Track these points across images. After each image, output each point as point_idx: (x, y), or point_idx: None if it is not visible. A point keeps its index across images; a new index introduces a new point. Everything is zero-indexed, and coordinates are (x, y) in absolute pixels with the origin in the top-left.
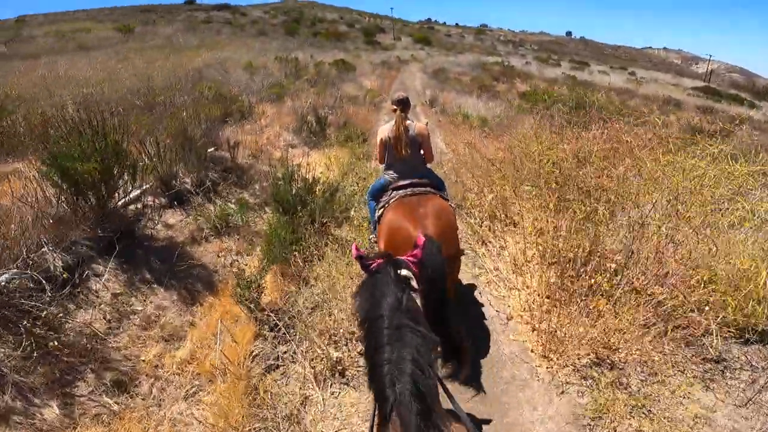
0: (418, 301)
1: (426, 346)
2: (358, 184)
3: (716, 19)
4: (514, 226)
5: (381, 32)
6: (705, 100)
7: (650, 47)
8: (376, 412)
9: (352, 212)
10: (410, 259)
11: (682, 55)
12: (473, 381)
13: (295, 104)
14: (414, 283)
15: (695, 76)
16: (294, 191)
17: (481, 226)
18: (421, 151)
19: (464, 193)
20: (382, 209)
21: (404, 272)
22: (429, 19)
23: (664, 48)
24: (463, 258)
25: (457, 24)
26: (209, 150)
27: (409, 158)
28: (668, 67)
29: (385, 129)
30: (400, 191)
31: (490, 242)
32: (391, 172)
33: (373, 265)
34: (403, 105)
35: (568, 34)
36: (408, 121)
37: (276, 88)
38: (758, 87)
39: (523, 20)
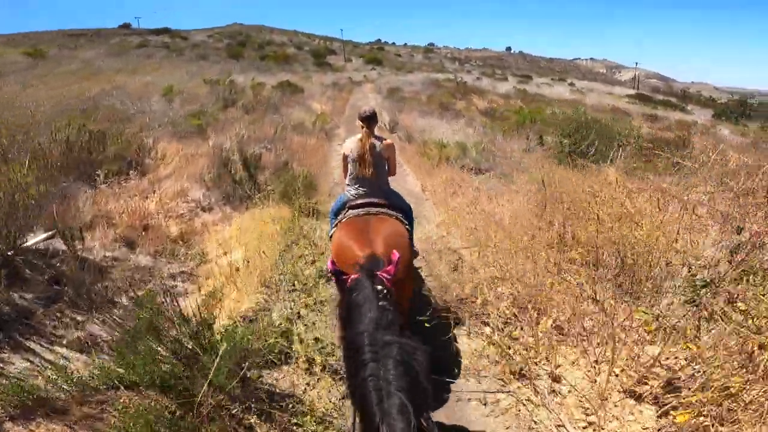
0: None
1: (418, 356)
2: (303, 281)
3: (629, 28)
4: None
5: (332, 54)
6: (644, 108)
7: (578, 58)
8: (361, 426)
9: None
10: (384, 275)
11: (605, 64)
12: None
13: (219, 140)
14: (389, 298)
15: (620, 83)
16: (170, 342)
17: (510, 343)
18: (386, 168)
19: (472, 279)
20: (334, 228)
21: (379, 287)
22: (379, 40)
23: (591, 58)
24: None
25: (405, 44)
26: (32, 242)
27: (373, 178)
28: (595, 76)
29: (349, 143)
30: (356, 210)
31: (531, 369)
32: (351, 189)
33: (349, 279)
34: (369, 120)
35: (508, 49)
36: (374, 139)
37: (196, 117)
38: (676, 91)
39: (466, 38)
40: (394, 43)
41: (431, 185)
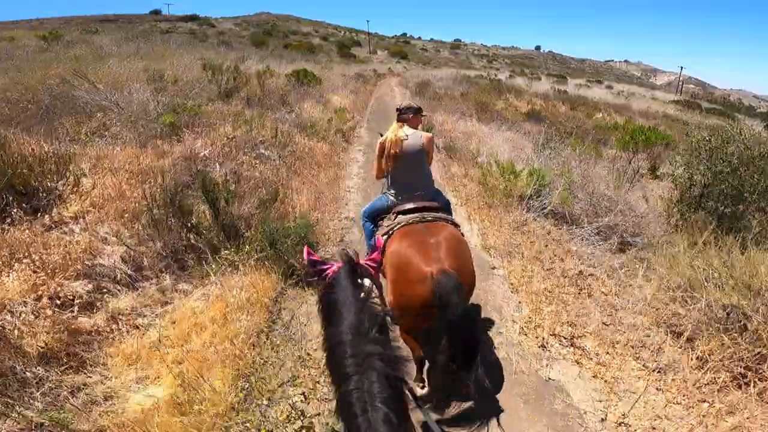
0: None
1: (400, 367)
2: None
3: (667, 31)
4: None
5: (357, 46)
6: (693, 115)
7: (612, 60)
8: None
9: None
10: (369, 263)
11: (641, 67)
12: None
13: (193, 146)
14: (375, 292)
15: (656, 87)
16: None
17: None
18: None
19: None
20: (385, 236)
21: (366, 282)
22: (404, 34)
23: (625, 60)
24: None
25: (432, 39)
26: None
27: (418, 177)
28: (630, 79)
29: (389, 137)
30: (407, 215)
31: None
32: (393, 191)
33: (329, 269)
34: (400, 113)
35: (537, 48)
36: (406, 129)
37: (172, 114)
38: (717, 97)
39: (494, 35)
40: (420, 38)
41: (501, 242)
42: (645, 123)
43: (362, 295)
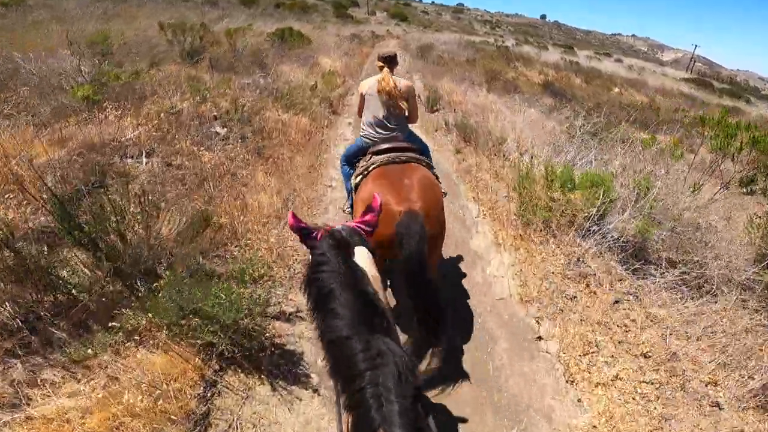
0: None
1: (410, 365)
2: None
3: (675, 7)
4: None
5: (354, 6)
6: (708, 95)
7: (619, 33)
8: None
9: None
10: (362, 227)
11: (648, 43)
12: None
13: (116, 128)
14: (372, 264)
15: (663, 63)
16: None
17: None
18: (406, 112)
19: None
20: (359, 177)
21: (362, 252)
22: None
23: (633, 35)
24: None
25: (433, 2)
26: None
27: (395, 116)
28: (636, 53)
29: (367, 82)
30: (381, 156)
31: None
32: (369, 131)
33: (318, 235)
34: (390, 61)
35: (543, 17)
36: (396, 78)
37: (90, 86)
38: (724, 77)
39: (498, 2)
40: (421, 0)
41: (547, 291)
42: (665, 101)
43: (358, 273)
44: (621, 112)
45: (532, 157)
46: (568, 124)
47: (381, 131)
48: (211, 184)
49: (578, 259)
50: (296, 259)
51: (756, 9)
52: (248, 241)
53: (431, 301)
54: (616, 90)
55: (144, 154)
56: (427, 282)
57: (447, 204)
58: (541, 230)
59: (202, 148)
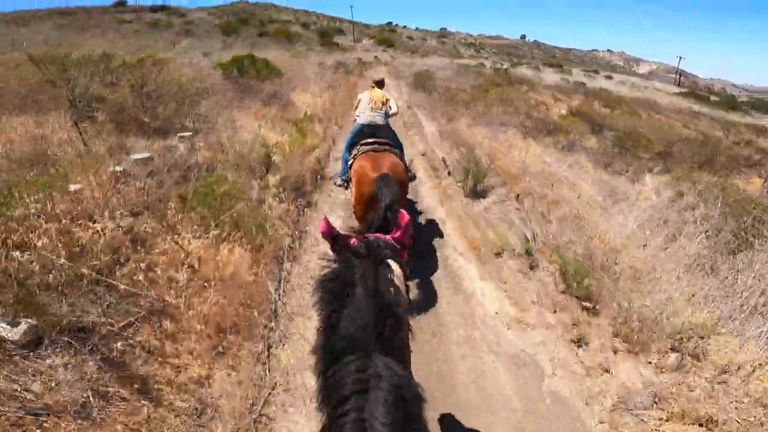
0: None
1: (413, 390)
2: None
3: (641, 20)
4: None
5: (340, 34)
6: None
7: (596, 49)
8: None
9: None
10: (395, 238)
11: (623, 57)
12: None
13: None
14: (401, 281)
15: (642, 76)
16: None
17: None
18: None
19: None
20: (353, 159)
21: (393, 268)
22: (390, 23)
23: (608, 50)
24: None
25: (417, 28)
26: None
27: (380, 120)
28: (614, 68)
29: (363, 95)
30: (366, 147)
31: None
32: (363, 119)
33: (353, 242)
34: (380, 84)
35: (523, 37)
36: (381, 93)
37: None
38: (702, 87)
39: (479, 24)
40: (405, 26)
41: None
42: (697, 126)
43: (382, 280)
44: (686, 152)
45: None
46: (674, 202)
47: (369, 128)
48: None
49: None
50: None
51: (721, 17)
52: None
53: (389, 225)
54: (645, 116)
55: None
56: (392, 218)
57: None
58: None
59: None
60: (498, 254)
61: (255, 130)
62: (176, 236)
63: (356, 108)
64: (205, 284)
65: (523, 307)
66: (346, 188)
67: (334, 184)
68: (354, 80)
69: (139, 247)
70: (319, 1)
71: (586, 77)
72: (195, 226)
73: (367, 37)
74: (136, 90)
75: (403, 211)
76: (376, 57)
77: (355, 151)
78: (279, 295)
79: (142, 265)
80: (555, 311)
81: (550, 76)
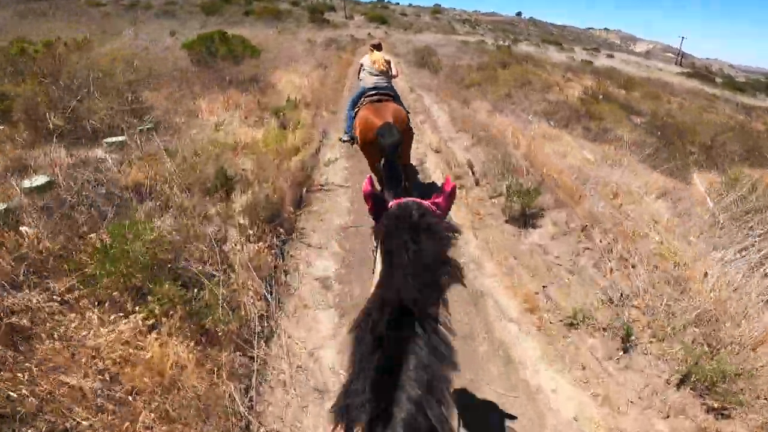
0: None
1: (443, 353)
2: None
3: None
4: None
5: (331, 11)
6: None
7: (593, 27)
8: None
9: None
10: (435, 203)
11: (620, 35)
12: None
13: None
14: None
15: (641, 55)
16: None
17: None
18: (389, 73)
19: None
20: (357, 109)
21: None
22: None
23: (605, 28)
24: None
25: (410, 4)
26: None
27: (382, 75)
28: (611, 47)
29: (365, 58)
30: (370, 97)
31: None
32: (367, 80)
33: (391, 204)
34: (378, 47)
35: (518, 14)
36: (381, 54)
37: None
38: (699, 67)
39: (472, 0)
40: (398, 3)
41: None
42: (722, 111)
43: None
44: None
45: None
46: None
47: (372, 82)
48: None
49: None
50: None
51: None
52: None
53: (396, 172)
54: (668, 101)
55: None
56: (396, 165)
57: None
58: None
59: None
60: (572, 325)
61: (221, 125)
62: (76, 322)
63: (359, 72)
64: (130, 397)
65: (617, 408)
66: (353, 144)
67: (340, 140)
68: (347, 57)
69: (20, 346)
70: None
71: (589, 56)
72: (107, 305)
73: (359, 13)
74: (48, 83)
75: (449, 176)
76: (369, 34)
77: (360, 102)
78: (248, 403)
79: (23, 376)
80: (667, 416)
81: (555, 55)
